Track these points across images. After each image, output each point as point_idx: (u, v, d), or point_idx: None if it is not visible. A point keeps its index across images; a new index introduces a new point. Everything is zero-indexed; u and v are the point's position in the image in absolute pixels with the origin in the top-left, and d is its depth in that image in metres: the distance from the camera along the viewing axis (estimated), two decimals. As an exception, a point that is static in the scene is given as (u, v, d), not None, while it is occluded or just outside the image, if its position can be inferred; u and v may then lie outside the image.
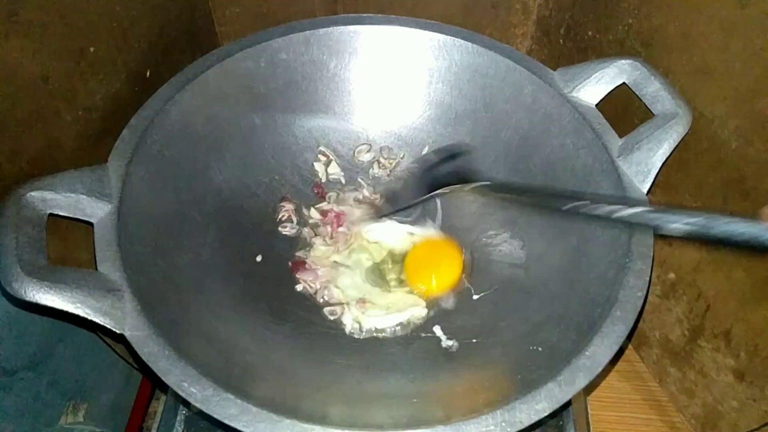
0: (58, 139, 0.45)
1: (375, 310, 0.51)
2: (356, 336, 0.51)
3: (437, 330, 0.50)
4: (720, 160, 0.47)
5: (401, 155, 0.61)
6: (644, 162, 0.47)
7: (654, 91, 0.49)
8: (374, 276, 0.54)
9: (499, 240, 0.56)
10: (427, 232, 0.57)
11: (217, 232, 0.52)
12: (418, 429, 0.35)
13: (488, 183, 0.49)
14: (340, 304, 0.52)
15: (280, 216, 0.57)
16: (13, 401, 0.45)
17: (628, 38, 0.54)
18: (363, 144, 0.61)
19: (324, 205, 0.58)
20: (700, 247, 0.51)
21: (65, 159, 0.46)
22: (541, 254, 0.52)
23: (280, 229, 0.57)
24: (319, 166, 0.60)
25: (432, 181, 0.52)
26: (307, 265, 0.54)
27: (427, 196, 0.53)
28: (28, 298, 0.36)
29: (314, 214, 0.58)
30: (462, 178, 0.51)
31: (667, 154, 0.47)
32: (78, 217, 0.43)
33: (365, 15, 0.59)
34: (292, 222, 0.57)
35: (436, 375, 0.46)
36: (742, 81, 0.43)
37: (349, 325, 0.51)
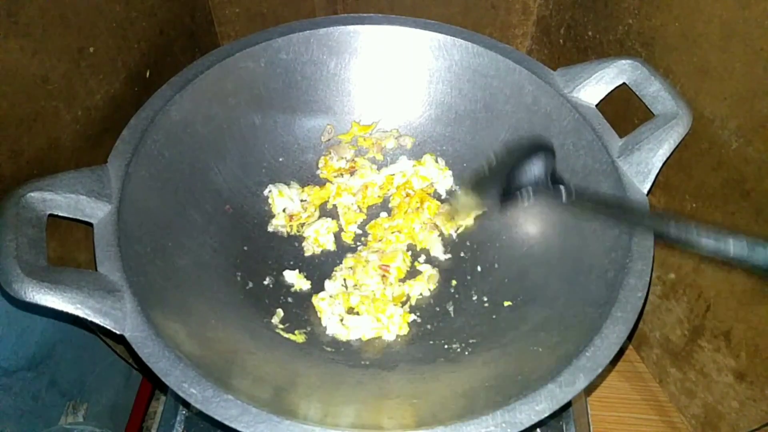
0: (58, 139, 0.45)
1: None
2: (356, 337, 0.51)
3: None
4: (720, 160, 0.47)
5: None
6: (644, 162, 0.47)
7: (654, 91, 0.49)
8: None
9: (500, 241, 0.56)
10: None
11: (217, 232, 0.52)
12: (418, 429, 0.35)
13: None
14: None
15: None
16: (13, 401, 0.45)
17: (628, 38, 0.54)
18: (328, 124, 0.61)
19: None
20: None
21: (65, 159, 0.46)
22: (541, 254, 0.52)
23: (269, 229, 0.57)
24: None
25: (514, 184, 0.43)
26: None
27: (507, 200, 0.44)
28: (28, 299, 0.36)
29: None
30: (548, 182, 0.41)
31: (668, 155, 0.47)
32: (78, 217, 0.43)
33: (365, 15, 0.59)
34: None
35: (436, 375, 0.46)
36: (742, 81, 0.43)
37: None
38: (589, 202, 0.42)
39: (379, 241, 0.57)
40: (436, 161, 0.60)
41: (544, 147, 0.42)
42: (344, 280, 0.54)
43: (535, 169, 0.41)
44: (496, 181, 0.44)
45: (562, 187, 0.41)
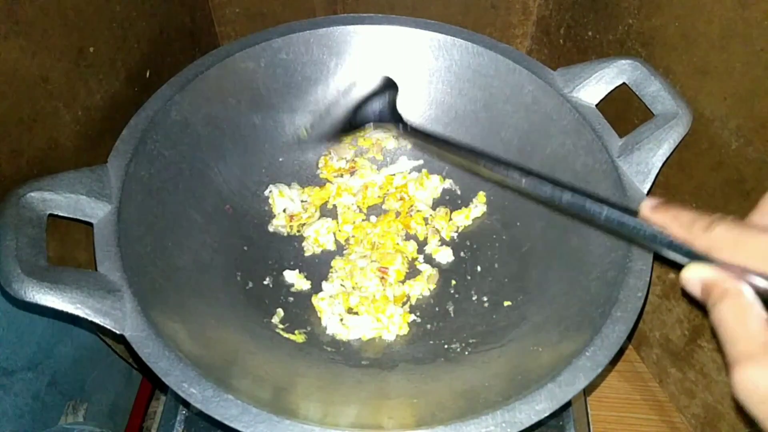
0: (58, 139, 0.45)
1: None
2: (356, 337, 0.51)
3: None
4: (720, 160, 0.47)
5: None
6: (644, 162, 0.47)
7: (654, 91, 0.49)
8: None
9: (500, 241, 0.56)
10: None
11: (217, 232, 0.52)
12: (418, 429, 0.35)
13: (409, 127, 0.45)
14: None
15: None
16: (13, 401, 0.45)
17: (628, 38, 0.54)
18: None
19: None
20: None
21: (65, 159, 0.46)
22: (541, 254, 0.52)
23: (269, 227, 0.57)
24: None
25: (358, 117, 0.47)
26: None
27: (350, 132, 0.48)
28: (28, 299, 0.36)
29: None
30: (388, 117, 0.47)
31: (667, 155, 0.47)
32: (78, 217, 0.43)
33: (365, 15, 0.58)
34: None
35: (436, 375, 0.46)
36: (742, 81, 0.43)
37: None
38: (425, 138, 0.46)
39: (369, 244, 0.57)
40: (443, 180, 0.61)
41: (388, 84, 0.48)
42: (341, 281, 0.54)
43: (378, 103, 0.47)
44: (340, 115, 0.48)
45: (401, 121, 0.46)
